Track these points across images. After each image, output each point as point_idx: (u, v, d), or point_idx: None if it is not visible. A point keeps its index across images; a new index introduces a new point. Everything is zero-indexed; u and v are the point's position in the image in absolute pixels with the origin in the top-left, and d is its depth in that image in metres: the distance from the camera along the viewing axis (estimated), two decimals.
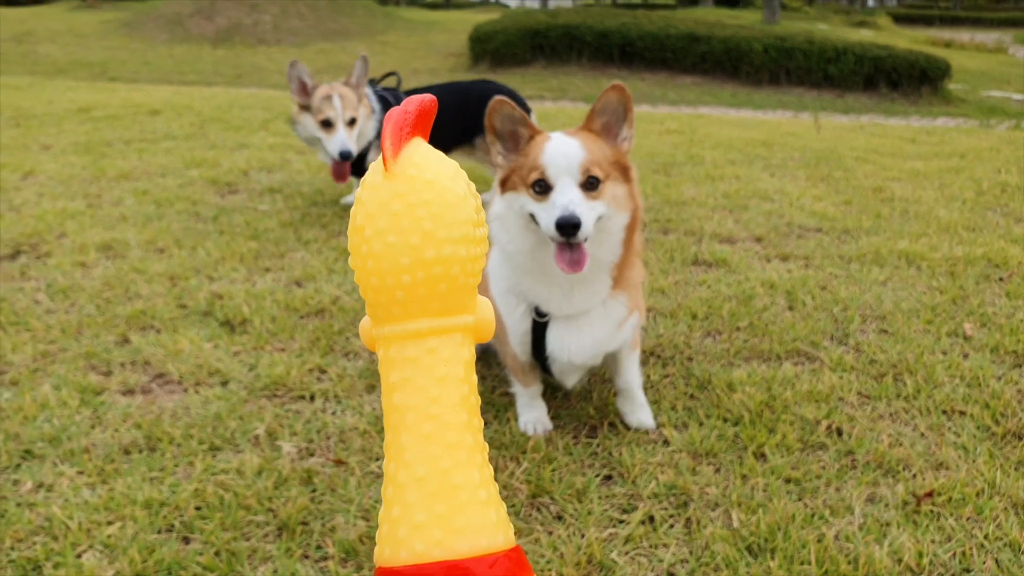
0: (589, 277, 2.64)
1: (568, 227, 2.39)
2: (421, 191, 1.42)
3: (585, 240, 2.48)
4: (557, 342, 2.73)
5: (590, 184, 2.49)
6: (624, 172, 2.60)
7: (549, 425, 2.92)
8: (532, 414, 2.94)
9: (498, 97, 2.55)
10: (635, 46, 19.31)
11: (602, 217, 2.54)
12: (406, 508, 1.44)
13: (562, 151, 2.48)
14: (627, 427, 2.95)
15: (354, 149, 5.06)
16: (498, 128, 2.59)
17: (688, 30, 19.21)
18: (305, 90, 5.15)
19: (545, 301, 2.69)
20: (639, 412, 2.97)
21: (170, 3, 26.78)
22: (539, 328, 2.75)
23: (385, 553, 1.45)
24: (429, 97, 1.52)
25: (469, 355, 1.51)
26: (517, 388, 2.98)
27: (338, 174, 5.17)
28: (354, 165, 5.29)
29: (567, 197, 2.44)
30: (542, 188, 2.50)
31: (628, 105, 2.57)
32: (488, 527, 1.45)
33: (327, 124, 5.06)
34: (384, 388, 1.49)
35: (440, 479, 1.44)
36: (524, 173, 2.53)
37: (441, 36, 25.32)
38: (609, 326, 2.75)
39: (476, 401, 1.52)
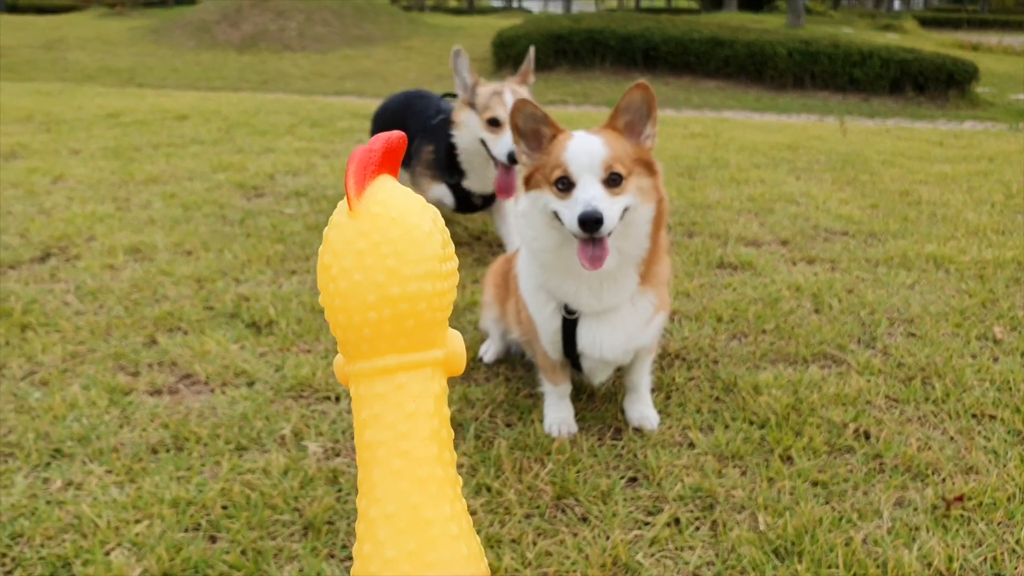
0: (617, 273, 2.65)
1: (590, 223, 2.40)
2: (385, 229, 1.43)
3: (609, 234, 2.49)
4: (588, 339, 2.74)
5: (612, 181, 2.50)
6: (648, 167, 2.61)
7: (574, 428, 2.92)
8: (558, 415, 2.94)
9: (521, 97, 2.56)
10: (658, 50, 19.28)
11: (628, 208, 2.54)
12: (376, 545, 1.44)
13: (584, 149, 2.50)
14: (629, 425, 2.96)
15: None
16: (521, 127, 2.61)
17: (712, 34, 19.15)
18: (466, 86, 4.61)
19: (574, 298, 2.70)
20: (645, 410, 2.98)
21: (197, 10, 27.05)
22: (569, 325, 2.76)
23: None
24: (397, 134, 1.53)
25: (439, 389, 1.52)
26: (546, 387, 2.98)
27: (504, 186, 4.48)
28: (486, 197, 4.78)
29: (589, 193, 2.46)
30: (565, 186, 2.51)
31: (652, 104, 2.57)
32: (459, 561, 1.46)
33: (494, 123, 4.44)
34: (356, 425, 1.50)
35: (410, 515, 1.45)
36: (547, 171, 2.55)
37: (464, 41, 25.39)
38: (638, 322, 2.76)
39: (448, 435, 1.53)
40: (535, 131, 2.62)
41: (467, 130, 4.56)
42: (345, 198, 1.45)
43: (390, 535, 1.44)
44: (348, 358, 1.50)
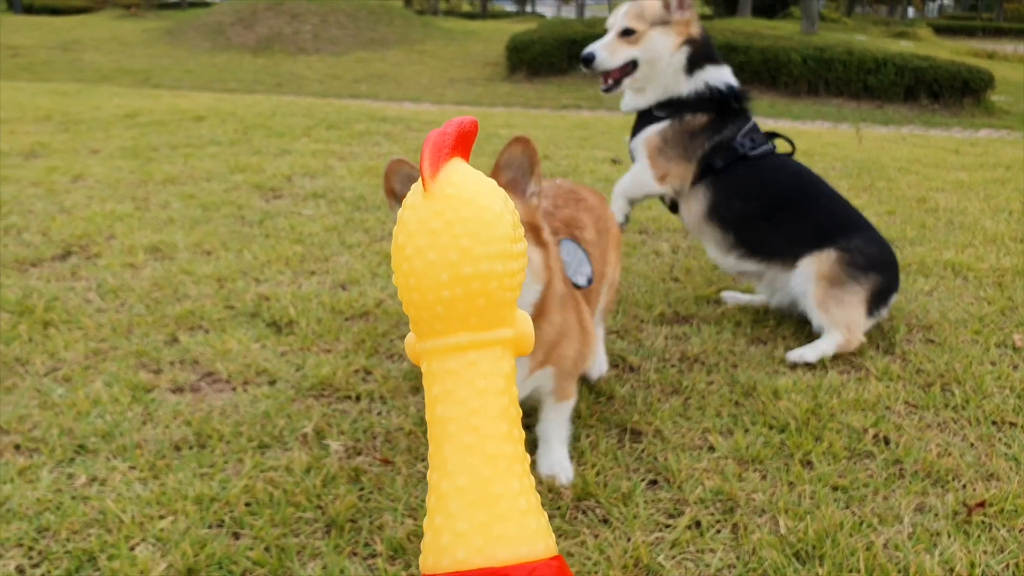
0: None
1: None
2: (458, 209, 1.47)
3: None
4: None
5: None
6: (536, 234, 2.32)
7: None
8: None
9: (395, 158, 2.31)
10: None
11: None
12: (448, 517, 1.48)
13: None
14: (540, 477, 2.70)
15: (604, 57, 3.98)
16: (398, 191, 2.31)
17: (726, 40, 19.14)
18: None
19: None
20: (555, 464, 2.68)
21: (212, 12, 27.20)
22: None
23: (429, 560, 1.49)
24: (470, 119, 1.56)
25: (510, 368, 1.55)
26: None
27: (605, 82, 4.12)
28: (635, 130, 4.18)
29: None
30: None
31: (534, 159, 2.25)
32: (528, 535, 1.48)
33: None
34: (427, 401, 1.54)
35: (480, 488, 1.48)
36: None
37: (478, 46, 25.46)
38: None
39: (517, 413, 1.56)
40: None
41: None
42: (420, 179, 1.48)
43: (461, 507, 1.47)
44: (420, 336, 1.54)
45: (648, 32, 3.96)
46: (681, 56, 3.94)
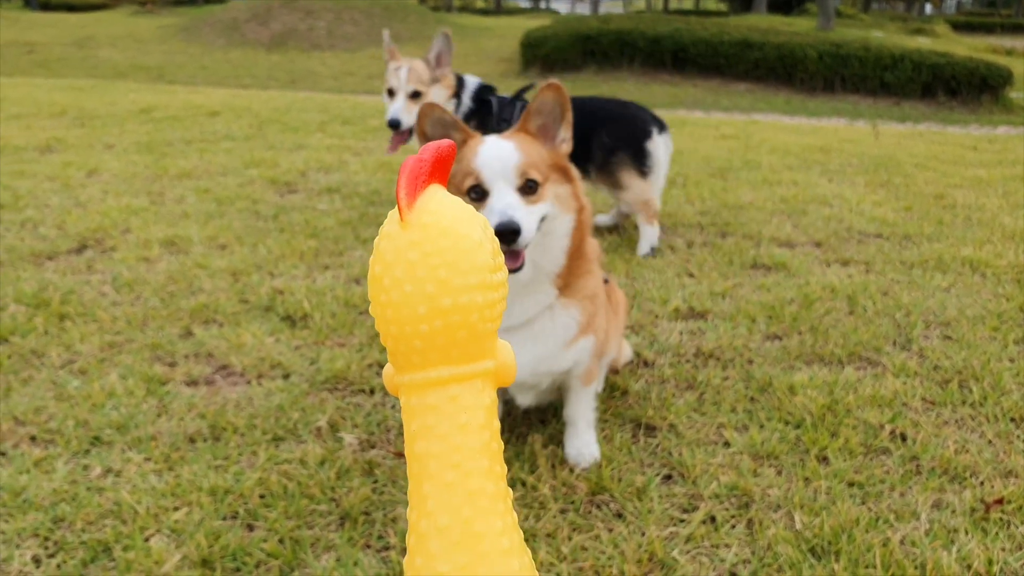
0: (530, 285, 2.45)
1: (507, 234, 2.22)
2: (436, 239, 1.42)
3: (526, 247, 2.31)
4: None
5: (528, 188, 2.32)
6: (565, 173, 2.44)
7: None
8: None
9: (428, 102, 2.39)
10: (687, 52, 19.22)
11: (546, 218, 2.37)
12: (429, 558, 1.43)
13: (497, 154, 2.31)
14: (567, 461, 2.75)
15: (407, 120, 4.91)
16: (429, 133, 2.43)
17: (742, 36, 19.07)
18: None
19: None
20: (583, 447, 2.73)
21: (227, 9, 27.27)
22: None
23: None
24: (447, 142, 1.53)
25: (490, 400, 1.50)
26: None
27: (390, 146, 5.07)
28: None
29: (504, 202, 2.27)
30: (478, 194, 2.33)
31: (565, 105, 2.37)
32: None
33: (391, 93, 5.01)
34: (407, 436, 1.48)
35: (462, 528, 1.44)
36: (459, 180, 2.36)
37: (492, 42, 25.44)
38: (555, 342, 2.52)
39: (498, 447, 1.52)
40: (445, 137, 2.41)
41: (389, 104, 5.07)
42: (396, 208, 1.44)
43: (442, 548, 1.43)
44: (399, 369, 1.49)
45: (429, 91, 4.96)
46: (451, 104, 5.03)
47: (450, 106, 5.01)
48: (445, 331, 1.43)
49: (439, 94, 4.98)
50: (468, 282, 1.42)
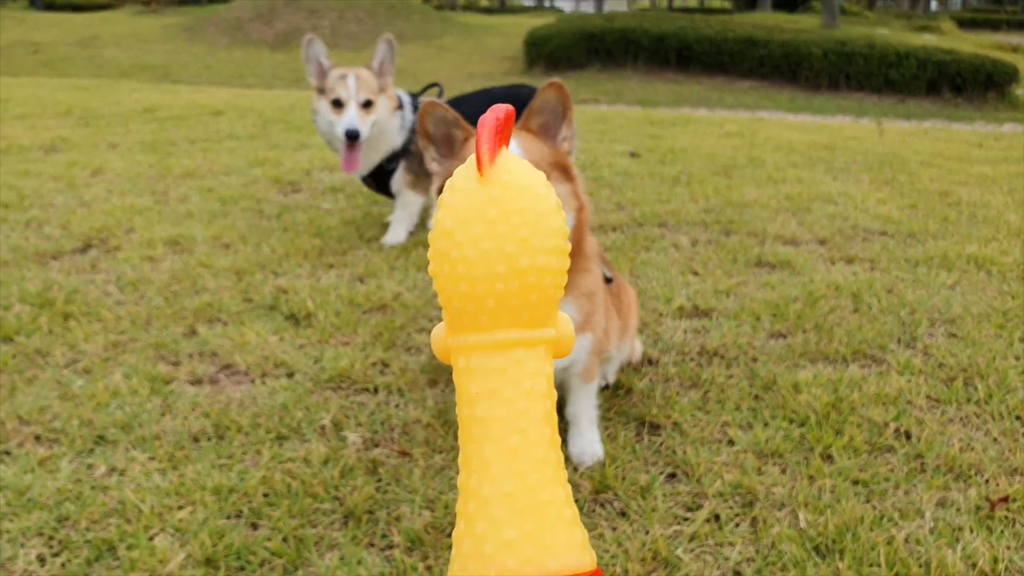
0: None
1: None
2: (517, 198, 1.38)
3: None
4: None
5: None
6: (565, 172, 2.43)
7: None
8: None
9: (429, 100, 2.37)
10: (692, 50, 19.20)
11: None
12: (493, 524, 1.39)
13: None
14: (571, 460, 2.73)
15: (364, 130, 4.60)
16: (431, 132, 2.41)
17: (746, 34, 19.04)
18: (323, 73, 4.75)
19: None
20: (587, 445, 2.73)
21: (231, 8, 27.29)
22: None
23: (469, 570, 1.40)
24: (507, 107, 1.50)
25: (551, 369, 1.47)
26: None
27: (348, 161, 4.67)
28: (379, 182, 4.94)
29: None
30: None
31: (567, 104, 2.35)
32: (576, 546, 1.41)
33: (338, 104, 4.62)
34: (464, 399, 1.44)
35: (529, 495, 1.39)
36: None
37: (496, 40, 25.43)
38: None
39: (556, 418, 1.48)
40: (447, 135, 2.40)
41: (322, 116, 4.76)
42: (472, 164, 1.39)
43: (509, 515, 1.38)
44: (461, 329, 1.44)
45: (378, 100, 4.70)
46: (398, 117, 4.83)
47: (395, 121, 4.81)
48: (520, 292, 1.39)
49: (385, 106, 4.74)
50: (547, 244, 1.38)
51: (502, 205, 1.37)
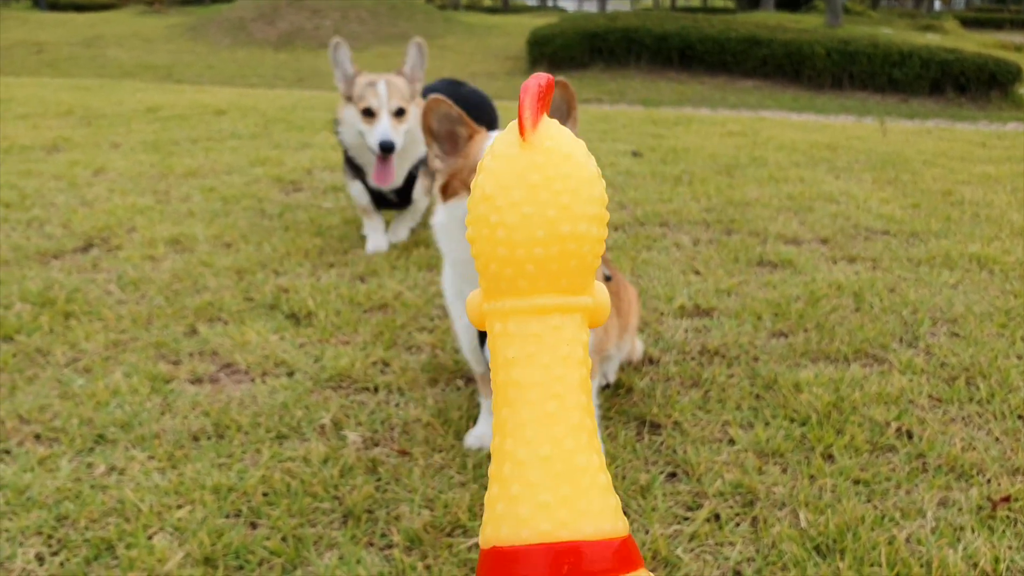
0: None
1: None
2: (559, 164, 1.38)
3: None
4: None
5: None
6: None
7: (487, 443, 2.72)
8: (480, 429, 2.79)
9: (434, 96, 2.35)
10: (694, 49, 19.18)
11: None
12: (529, 487, 1.40)
13: None
14: None
15: (399, 142, 4.37)
16: (435, 129, 2.38)
17: (749, 33, 19.02)
18: (349, 79, 4.55)
19: None
20: None
21: (234, 8, 27.30)
22: (485, 336, 2.61)
23: (502, 532, 1.40)
24: (548, 75, 1.49)
25: (587, 337, 1.47)
26: (482, 400, 2.84)
27: (383, 173, 4.47)
28: (400, 194, 4.74)
29: None
30: None
31: (572, 103, 2.34)
32: (610, 512, 1.42)
33: (368, 113, 4.39)
34: (499, 363, 1.44)
35: (565, 460, 1.40)
36: (465, 175, 2.33)
37: (499, 40, 25.42)
38: None
39: (591, 386, 1.49)
40: (451, 132, 2.38)
41: (348, 126, 4.55)
42: (515, 128, 1.39)
43: (545, 478, 1.39)
44: (498, 294, 1.45)
45: (410, 108, 4.46)
46: None
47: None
48: (560, 258, 1.40)
49: (416, 114, 4.50)
50: (588, 211, 1.39)
51: (544, 171, 1.37)
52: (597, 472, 1.42)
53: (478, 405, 2.97)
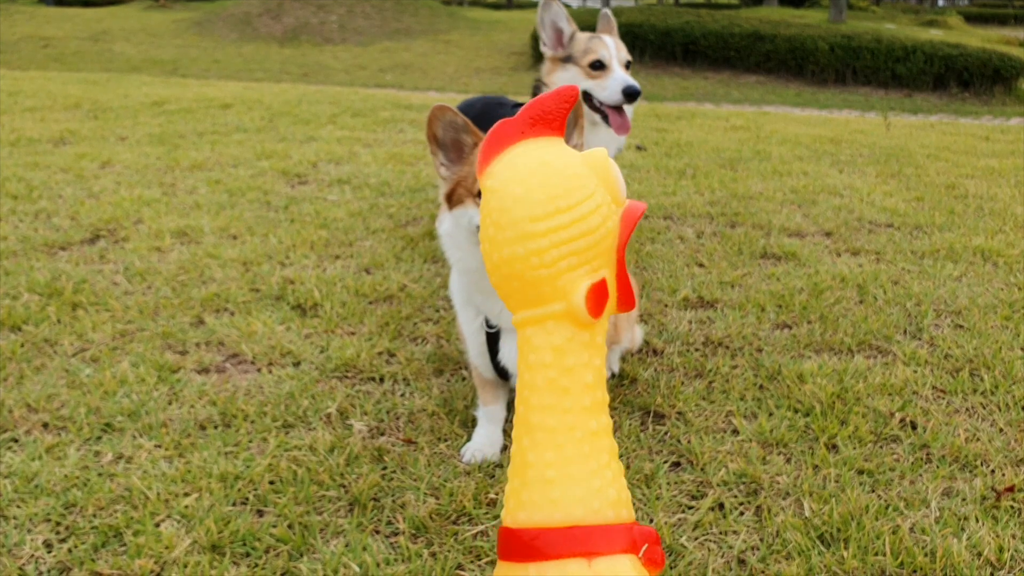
0: None
1: None
2: (489, 201, 1.65)
3: None
4: (509, 354, 2.58)
5: None
6: None
7: (488, 453, 2.66)
8: (478, 440, 2.72)
9: (438, 104, 2.34)
10: (698, 44, 19.14)
11: None
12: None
13: None
14: None
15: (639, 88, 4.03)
16: (440, 137, 2.37)
17: (752, 29, 18.98)
18: (560, 40, 4.13)
19: (496, 315, 2.55)
20: None
21: (239, 3, 27.29)
22: (494, 341, 2.60)
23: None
24: (559, 92, 1.70)
25: (562, 340, 1.66)
26: (480, 409, 2.81)
27: (620, 123, 4.08)
28: None
29: None
30: None
31: (579, 112, 2.33)
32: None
33: (598, 66, 4.02)
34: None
35: (520, 456, 1.70)
36: (470, 184, 2.34)
37: (503, 35, 25.39)
38: None
39: (571, 383, 1.69)
40: (456, 141, 2.38)
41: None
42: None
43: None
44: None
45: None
46: None
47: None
48: (507, 281, 1.65)
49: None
50: (506, 236, 1.61)
51: (486, 209, 1.67)
52: (544, 467, 1.64)
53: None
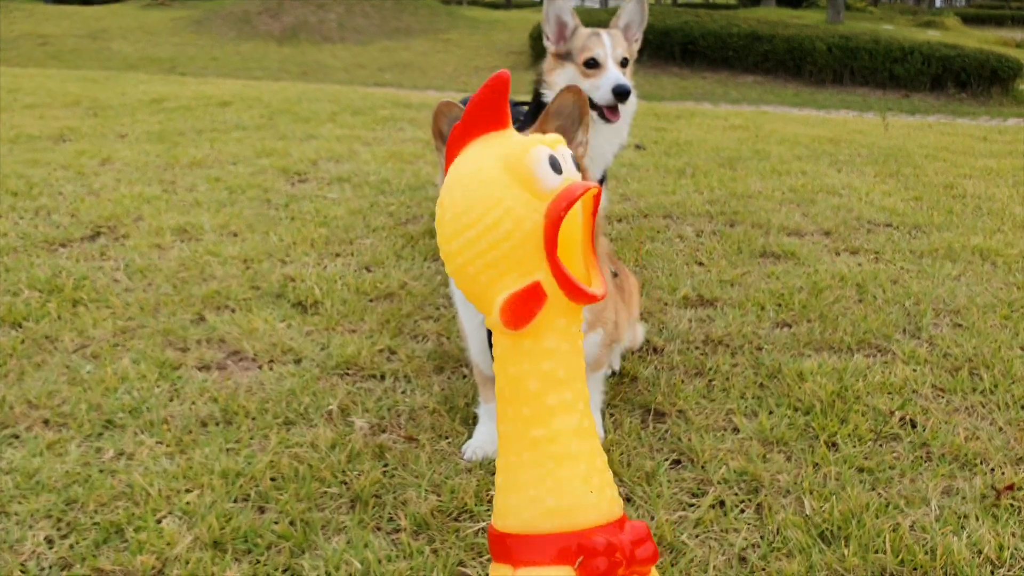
0: None
1: None
2: (440, 207, 1.65)
3: None
4: None
5: None
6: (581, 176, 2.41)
7: (489, 450, 2.65)
8: (479, 437, 2.73)
9: (444, 100, 2.29)
10: (696, 45, 19.16)
11: None
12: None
13: None
14: None
15: (632, 88, 3.90)
16: (445, 133, 2.26)
17: (751, 29, 19.01)
18: (564, 35, 3.97)
19: None
20: None
21: (238, 1, 27.28)
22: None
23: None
24: (492, 81, 1.69)
25: (501, 349, 1.67)
26: (480, 407, 2.82)
27: (613, 116, 3.97)
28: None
29: None
30: None
31: (584, 109, 2.27)
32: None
33: (592, 64, 3.87)
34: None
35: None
36: None
37: (502, 35, 25.40)
38: None
39: (511, 393, 1.69)
40: None
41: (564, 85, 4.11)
42: None
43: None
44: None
45: (631, 62, 4.02)
46: None
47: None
48: (456, 275, 1.64)
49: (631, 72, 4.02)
50: (442, 254, 1.64)
51: (439, 215, 1.67)
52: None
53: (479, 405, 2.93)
